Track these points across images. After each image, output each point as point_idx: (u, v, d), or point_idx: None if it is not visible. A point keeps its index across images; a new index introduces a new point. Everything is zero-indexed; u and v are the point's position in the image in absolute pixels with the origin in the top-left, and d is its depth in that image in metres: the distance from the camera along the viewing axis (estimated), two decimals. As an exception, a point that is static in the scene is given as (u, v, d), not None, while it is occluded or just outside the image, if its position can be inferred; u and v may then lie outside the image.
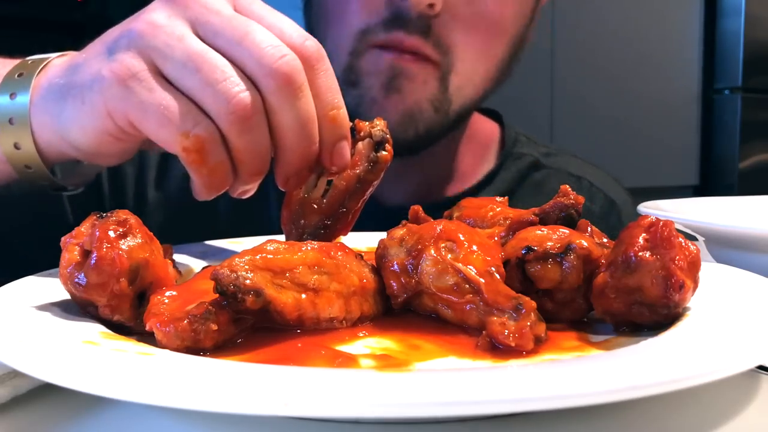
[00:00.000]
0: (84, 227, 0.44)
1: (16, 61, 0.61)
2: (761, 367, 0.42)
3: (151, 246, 0.45)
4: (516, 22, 0.87)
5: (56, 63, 0.59)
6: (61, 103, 0.55)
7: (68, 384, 0.32)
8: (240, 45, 0.49)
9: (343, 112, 0.54)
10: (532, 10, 0.90)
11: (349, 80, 0.84)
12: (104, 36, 0.55)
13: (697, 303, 0.44)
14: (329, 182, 0.57)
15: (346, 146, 0.54)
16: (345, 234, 0.59)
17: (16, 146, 0.57)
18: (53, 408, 0.39)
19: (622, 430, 0.36)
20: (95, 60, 0.53)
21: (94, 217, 0.44)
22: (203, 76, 0.48)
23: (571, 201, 0.51)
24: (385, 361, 0.39)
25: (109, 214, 0.44)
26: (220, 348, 0.40)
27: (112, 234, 0.43)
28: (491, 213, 0.55)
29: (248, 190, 0.55)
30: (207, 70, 0.48)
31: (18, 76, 0.58)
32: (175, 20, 0.51)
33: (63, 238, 0.45)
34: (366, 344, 0.42)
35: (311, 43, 0.52)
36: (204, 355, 0.39)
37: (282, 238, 0.56)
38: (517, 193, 0.98)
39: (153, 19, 0.51)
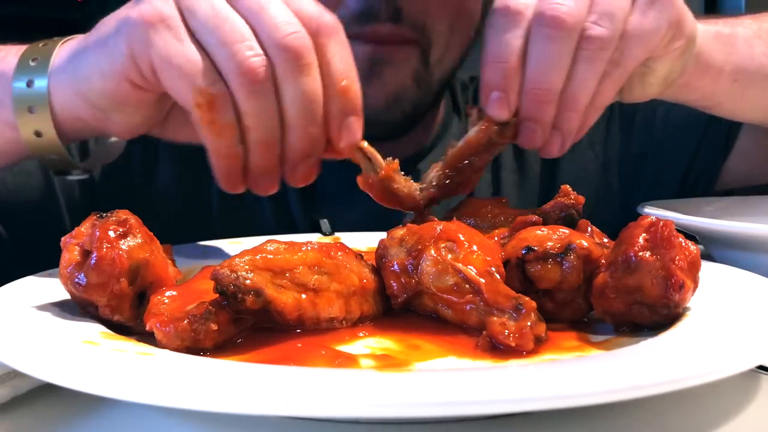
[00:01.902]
0: (84, 227, 0.44)
1: (23, 47, 0.61)
2: (761, 367, 0.42)
3: (151, 246, 0.45)
4: None
5: (74, 38, 0.60)
6: (80, 56, 0.56)
7: (68, 384, 0.32)
8: (258, 14, 0.50)
9: (357, 86, 0.54)
10: None
11: None
12: None
13: (697, 303, 0.44)
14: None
15: (356, 121, 0.54)
16: (466, 192, 0.59)
17: (37, 134, 0.58)
18: (53, 408, 0.39)
19: (622, 430, 0.36)
20: (121, 11, 0.54)
21: (94, 217, 0.44)
22: (221, 35, 0.50)
23: (572, 201, 0.51)
24: (385, 361, 0.39)
25: (109, 214, 0.44)
26: (220, 348, 0.40)
27: (112, 234, 0.43)
28: (491, 213, 0.55)
29: (262, 173, 0.54)
30: (226, 29, 0.50)
31: (32, 61, 0.59)
32: None
33: (63, 238, 0.45)
34: (366, 344, 0.42)
35: (328, 17, 0.53)
36: (204, 355, 0.39)
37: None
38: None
39: None
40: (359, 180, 0.57)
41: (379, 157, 0.56)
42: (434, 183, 0.56)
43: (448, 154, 0.57)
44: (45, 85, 0.57)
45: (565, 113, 0.58)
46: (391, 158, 0.57)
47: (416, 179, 0.57)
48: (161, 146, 0.86)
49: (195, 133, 0.53)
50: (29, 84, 0.58)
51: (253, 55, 0.49)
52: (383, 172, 0.56)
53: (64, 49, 0.59)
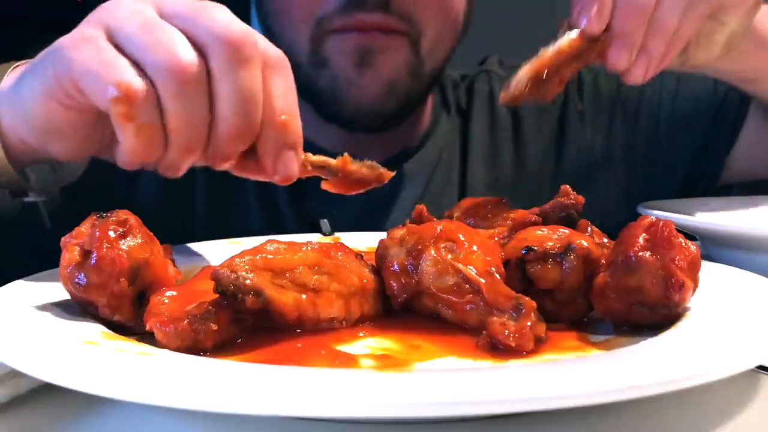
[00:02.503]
0: (84, 227, 0.44)
1: None
2: (761, 367, 0.42)
3: (151, 246, 0.45)
4: None
5: (26, 62, 0.59)
6: (20, 80, 0.55)
7: (68, 384, 0.32)
8: (196, 19, 0.49)
9: (297, 122, 0.52)
10: None
11: (316, 63, 0.83)
12: None
13: (697, 303, 0.44)
14: None
15: (292, 156, 0.52)
16: (549, 98, 0.60)
17: None
18: (53, 408, 0.39)
19: (622, 430, 0.36)
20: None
21: (94, 217, 0.44)
22: (151, 39, 0.48)
23: (571, 201, 0.51)
24: (385, 361, 0.39)
25: (109, 214, 0.44)
26: (220, 348, 0.40)
27: (112, 234, 0.43)
28: (491, 213, 0.55)
29: (175, 167, 0.52)
30: (156, 33, 0.48)
31: None
32: (141, 3, 0.50)
33: (63, 238, 0.44)
34: (366, 344, 0.42)
35: (275, 49, 0.52)
36: (204, 355, 0.39)
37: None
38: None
39: (122, 2, 0.51)
40: (326, 187, 0.58)
41: (329, 160, 0.56)
42: (522, 82, 0.58)
43: (538, 58, 0.59)
44: None
45: (653, 36, 0.61)
46: (340, 155, 0.57)
47: (401, 180, 0.59)
48: None
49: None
50: None
51: (184, 54, 0.47)
52: (341, 172, 0.56)
53: (14, 72, 0.58)
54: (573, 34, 0.60)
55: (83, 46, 0.49)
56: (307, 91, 0.84)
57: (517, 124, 1.00)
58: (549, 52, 0.59)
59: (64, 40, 0.51)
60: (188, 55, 0.47)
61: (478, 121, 0.99)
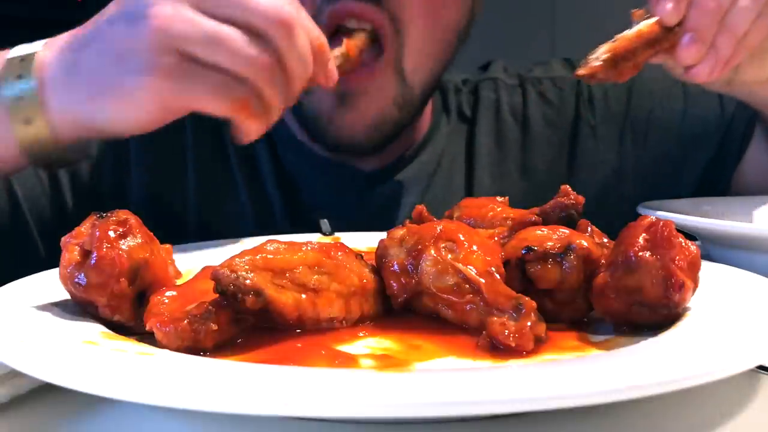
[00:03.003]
0: (84, 227, 0.44)
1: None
2: (761, 367, 0.42)
3: (151, 246, 0.45)
4: None
5: (52, 57, 0.61)
6: (91, 104, 0.59)
7: (68, 384, 0.32)
8: (244, 9, 0.57)
9: (325, 40, 0.64)
10: None
11: None
12: (106, 28, 0.60)
13: (697, 303, 0.44)
14: None
15: (333, 64, 0.66)
16: (623, 79, 0.62)
17: (26, 121, 0.60)
18: (53, 408, 0.39)
19: (622, 430, 0.36)
20: (121, 60, 0.58)
21: (94, 217, 0.44)
22: (227, 49, 0.56)
23: (572, 201, 0.51)
24: (385, 361, 0.39)
25: (109, 214, 0.44)
26: (220, 348, 0.40)
27: (112, 234, 0.43)
28: (491, 213, 0.55)
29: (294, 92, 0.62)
30: (227, 43, 0.56)
31: (21, 60, 0.61)
32: (178, 5, 0.57)
33: (63, 238, 0.44)
34: (366, 344, 0.42)
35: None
36: (204, 355, 0.39)
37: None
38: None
39: (161, 12, 0.57)
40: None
41: (339, 52, 0.70)
42: (602, 59, 0.61)
43: (619, 38, 0.61)
44: (35, 93, 0.60)
45: (724, 36, 0.63)
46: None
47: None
48: (132, 162, 0.87)
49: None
50: (18, 77, 0.60)
51: (259, 51, 0.58)
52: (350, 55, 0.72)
53: (58, 43, 0.62)
54: (652, 20, 0.62)
55: (179, 75, 0.57)
56: (294, 109, 0.83)
57: (525, 134, 0.98)
58: (630, 33, 0.62)
59: (137, 66, 0.57)
60: (264, 54, 0.58)
61: (484, 130, 0.98)
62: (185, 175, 0.88)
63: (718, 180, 0.95)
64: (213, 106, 0.58)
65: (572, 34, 2.79)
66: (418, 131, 0.95)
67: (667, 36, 0.62)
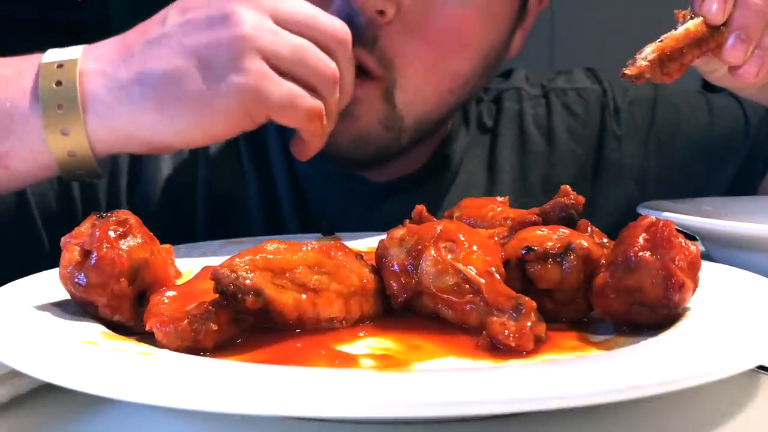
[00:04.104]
0: (84, 227, 0.44)
1: (17, 59, 0.62)
2: (761, 367, 0.42)
3: (151, 246, 0.45)
4: (482, 37, 0.78)
5: (106, 73, 0.61)
6: (158, 114, 0.60)
7: (68, 384, 0.32)
8: (313, 27, 0.62)
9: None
10: (507, 26, 0.82)
11: None
12: (174, 33, 0.61)
13: (697, 303, 0.44)
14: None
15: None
16: (669, 79, 0.62)
17: (64, 132, 0.60)
18: (53, 408, 0.39)
19: (622, 430, 0.36)
20: (210, 71, 0.60)
21: (94, 217, 0.44)
22: (310, 64, 0.61)
23: (572, 201, 0.51)
24: (385, 361, 0.39)
25: (109, 214, 0.44)
26: (220, 348, 0.40)
27: (112, 234, 0.43)
28: (491, 213, 0.55)
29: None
30: (310, 59, 0.61)
31: (58, 67, 0.61)
32: (261, 17, 0.60)
33: (63, 238, 0.45)
34: (366, 344, 0.42)
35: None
36: (204, 355, 0.39)
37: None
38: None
39: (247, 21, 0.59)
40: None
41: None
42: (649, 59, 0.60)
43: (666, 38, 0.62)
44: (77, 103, 0.60)
45: None
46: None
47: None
48: (144, 162, 0.86)
49: None
50: (56, 84, 0.60)
51: (332, 68, 0.63)
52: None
53: (105, 55, 0.62)
54: (698, 20, 0.62)
55: (266, 84, 0.60)
56: None
57: (549, 146, 0.95)
58: (677, 33, 0.61)
59: (225, 76, 0.59)
60: (333, 68, 0.63)
61: (507, 143, 0.94)
62: (195, 180, 0.87)
63: (743, 194, 0.94)
64: (291, 114, 0.61)
65: (571, 40, 2.79)
66: (429, 148, 0.91)
67: (713, 35, 0.62)
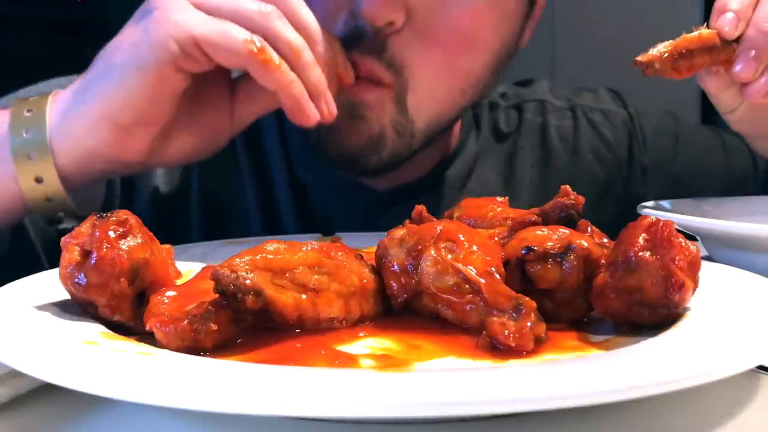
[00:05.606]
0: (84, 227, 0.44)
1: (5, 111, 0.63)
2: (761, 367, 0.42)
3: (152, 246, 0.45)
4: (493, 35, 0.77)
5: (66, 86, 0.62)
6: (99, 81, 0.60)
7: (68, 384, 0.32)
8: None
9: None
10: (518, 20, 0.81)
11: None
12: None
13: (697, 303, 0.44)
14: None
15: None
16: (680, 76, 0.64)
17: (37, 180, 0.60)
18: (53, 408, 0.39)
19: (622, 430, 0.36)
20: (137, 43, 0.60)
21: (94, 218, 0.44)
22: (242, 8, 0.59)
23: (571, 201, 0.51)
24: (385, 361, 0.39)
25: (109, 214, 0.44)
26: (220, 348, 0.40)
27: (112, 234, 0.43)
28: (491, 213, 0.55)
29: (322, 85, 0.64)
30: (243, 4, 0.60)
31: (27, 112, 0.61)
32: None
33: (63, 238, 0.45)
34: (366, 344, 0.42)
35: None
36: (204, 355, 0.39)
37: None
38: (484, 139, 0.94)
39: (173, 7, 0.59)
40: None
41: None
42: (661, 50, 0.63)
43: (680, 38, 0.63)
44: (44, 130, 0.60)
45: None
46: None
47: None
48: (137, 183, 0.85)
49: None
50: (26, 132, 0.60)
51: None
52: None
53: (61, 95, 0.63)
54: (713, 30, 0.64)
55: (192, 11, 0.58)
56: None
57: (573, 162, 0.94)
58: (690, 35, 0.63)
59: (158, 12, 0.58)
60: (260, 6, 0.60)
61: (527, 158, 0.92)
62: (190, 183, 0.86)
63: None
64: (226, 48, 0.58)
65: (572, 50, 2.79)
66: (442, 149, 0.89)
67: (725, 49, 0.63)
